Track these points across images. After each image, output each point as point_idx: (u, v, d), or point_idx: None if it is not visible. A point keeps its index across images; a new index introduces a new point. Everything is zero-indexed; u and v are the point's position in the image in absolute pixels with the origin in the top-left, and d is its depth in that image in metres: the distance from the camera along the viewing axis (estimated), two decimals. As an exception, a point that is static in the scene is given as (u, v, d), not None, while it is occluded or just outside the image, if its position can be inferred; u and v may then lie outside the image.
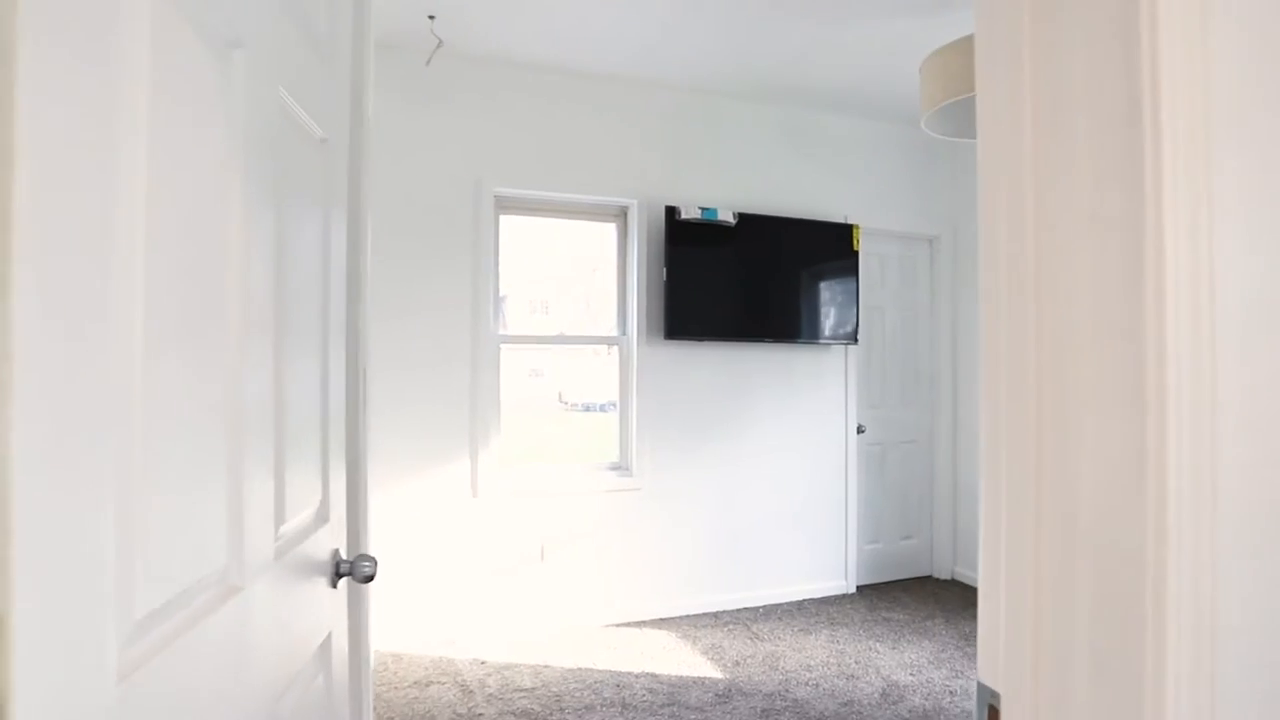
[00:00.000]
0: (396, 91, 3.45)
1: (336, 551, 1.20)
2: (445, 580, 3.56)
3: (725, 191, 4.07)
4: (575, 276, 4.08)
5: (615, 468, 3.96)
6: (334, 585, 1.17)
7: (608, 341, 4.00)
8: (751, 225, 3.95)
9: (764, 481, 4.15)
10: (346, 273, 1.36)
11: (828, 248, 4.14)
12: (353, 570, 1.19)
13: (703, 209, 3.82)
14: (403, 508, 3.50)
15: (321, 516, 1.14)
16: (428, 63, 3.42)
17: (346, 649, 1.27)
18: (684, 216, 3.79)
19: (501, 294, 3.79)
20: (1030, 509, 0.67)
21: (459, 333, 3.59)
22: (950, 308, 4.63)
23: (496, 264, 3.74)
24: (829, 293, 4.15)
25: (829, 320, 4.14)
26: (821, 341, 4.13)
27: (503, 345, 3.77)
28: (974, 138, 2.70)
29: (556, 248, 4.00)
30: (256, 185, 0.82)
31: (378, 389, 3.45)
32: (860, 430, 4.38)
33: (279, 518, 0.92)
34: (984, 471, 0.73)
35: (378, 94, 2.68)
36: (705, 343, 3.99)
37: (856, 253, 4.19)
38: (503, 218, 3.77)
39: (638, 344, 3.89)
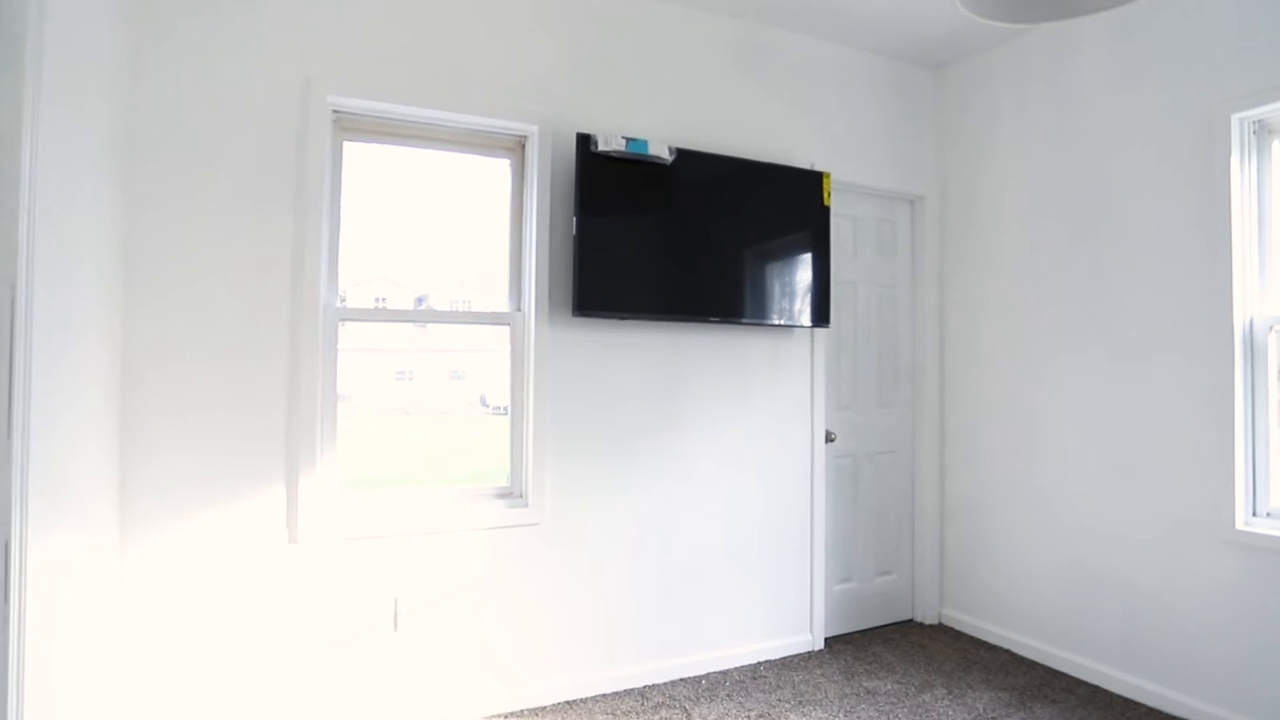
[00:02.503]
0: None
1: None
2: (246, 662, 2.41)
3: (659, 119, 3.05)
4: (454, 232, 3.00)
5: (504, 494, 2.88)
6: None
7: (493, 320, 2.93)
8: (693, 165, 2.95)
9: (707, 508, 3.14)
10: None
11: (791, 200, 3.17)
12: None
13: (628, 139, 2.79)
14: (182, 560, 2.34)
15: None
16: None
17: None
18: (602, 148, 2.75)
19: (342, 252, 2.67)
20: None
21: (273, 307, 2.46)
22: (936, 285, 3.73)
23: (337, 210, 2.62)
24: (792, 259, 3.18)
25: (791, 295, 3.17)
26: (781, 323, 3.15)
27: (344, 323, 2.65)
28: (1040, 20, 1.73)
29: (427, 191, 2.91)
30: None
31: (147, 390, 2.29)
32: (829, 438, 3.43)
33: None
34: None
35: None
36: (630, 322, 2.96)
37: (827, 209, 3.24)
38: (348, 144, 2.66)
39: (536, 323, 2.83)
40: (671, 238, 2.91)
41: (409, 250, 2.93)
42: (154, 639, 2.31)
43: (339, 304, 2.63)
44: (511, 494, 2.87)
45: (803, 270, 3.20)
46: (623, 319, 2.88)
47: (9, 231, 1.49)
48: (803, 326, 3.24)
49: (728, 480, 3.18)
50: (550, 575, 2.84)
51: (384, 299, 2.87)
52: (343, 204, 2.63)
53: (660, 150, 2.84)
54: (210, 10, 2.37)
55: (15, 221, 1.49)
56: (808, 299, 3.20)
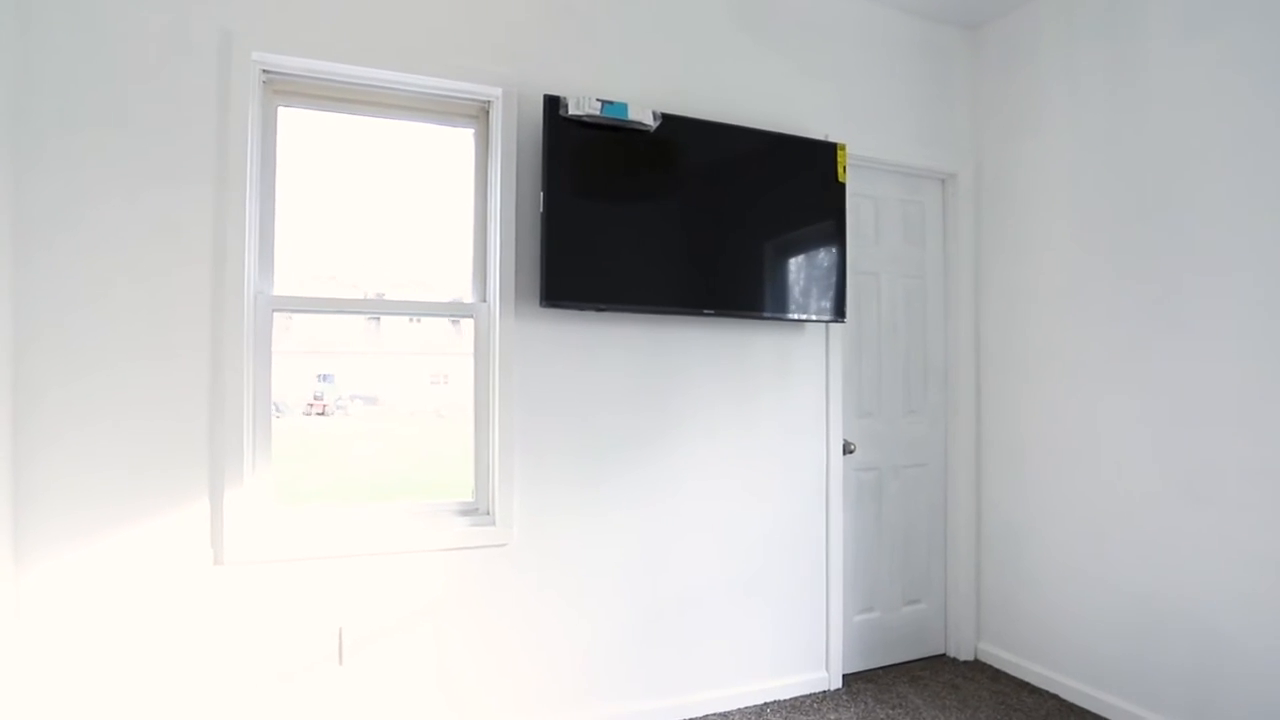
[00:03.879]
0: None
1: None
2: (165, 703, 2.10)
3: (641, 80, 2.68)
4: (413, 211, 2.66)
5: (468, 511, 2.52)
6: None
7: (454, 312, 2.58)
8: (683, 133, 2.57)
9: (704, 528, 2.75)
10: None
11: (801, 174, 2.77)
12: None
13: (604, 102, 2.43)
14: (90, 584, 2.04)
15: None
16: None
17: None
18: (574, 112, 2.39)
19: (278, 234, 2.35)
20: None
21: (191, 297, 2.15)
22: (972, 275, 3.29)
23: (271, 184, 2.31)
24: (803, 243, 2.78)
25: (802, 285, 2.77)
26: (792, 317, 2.75)
27: (278, 313, 2.33)
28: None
29: (382, 166, 2.58)
30: None
31: (44, 396, 2.00)
32: (848, 449, 3.01)
33: None
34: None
35: None
36: (610, 313, 2.59)
37: (843, 186, 2.83)
38: (283, 110, 2.34)
39: (502, 315, 2.48)
40: (657, 216, 2.54)
41: (360, 233, 2.60)
42: (56, 673, 2.01)
43: (272, 292, 2.31)
44: (476, 510, 2.52)
45: (815, 255, 2.79)
46: (600, 310, 2.51)
47: None
48: (816, 321, 2.83)
49: (728, 497, 2.78)
50: (521, 603, 2.48)
51: (332, 287, 2.55)
52: (278, 179, 2.32)
53: (642, 115, 2.46)
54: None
55: None
56: (821, 289, 2.80)
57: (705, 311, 2.60)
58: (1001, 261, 3.17)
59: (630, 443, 2.63)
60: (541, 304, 2.40)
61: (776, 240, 2.72)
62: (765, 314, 2.71)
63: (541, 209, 2.38)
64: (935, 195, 3.30)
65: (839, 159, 2.81)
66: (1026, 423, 3.05)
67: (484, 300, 2.54)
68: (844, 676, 3.01)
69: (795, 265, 2.76)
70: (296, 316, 2.53)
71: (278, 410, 3.03)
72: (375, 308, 2.58)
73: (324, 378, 2.95)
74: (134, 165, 2.08)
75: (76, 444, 2.03)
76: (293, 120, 2.37)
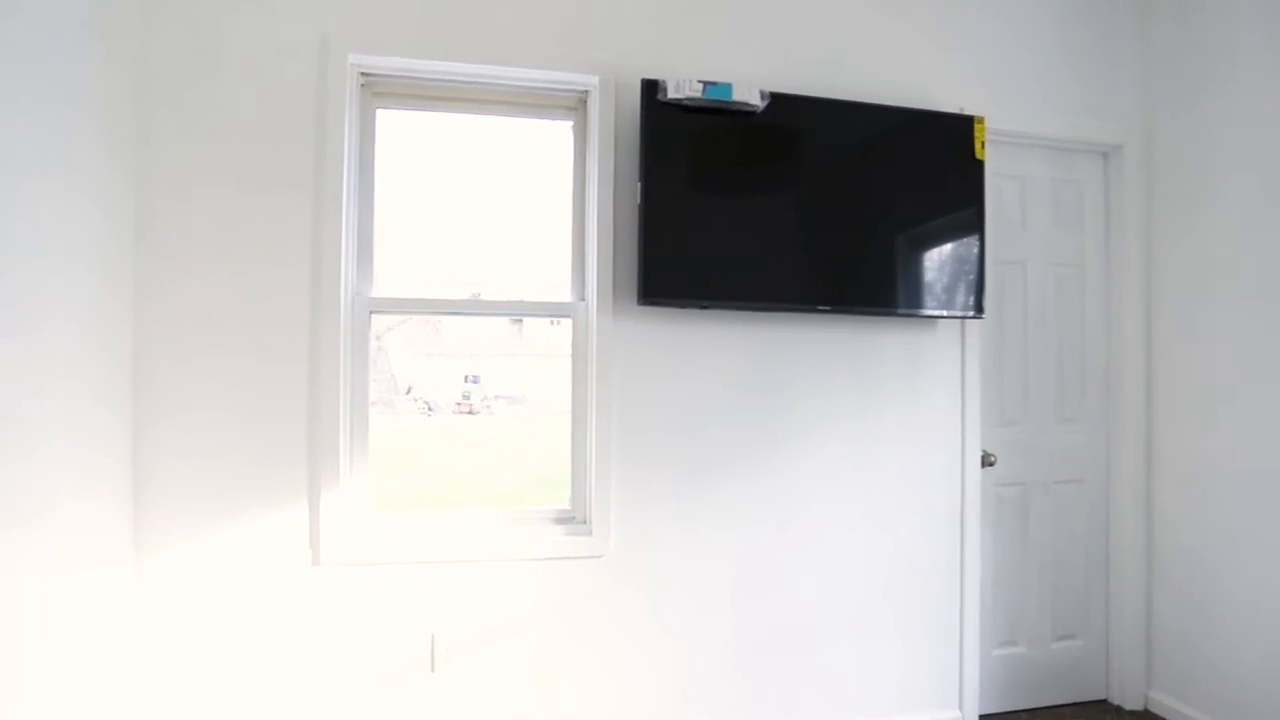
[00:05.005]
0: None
1: None
2: (263, 695, 2.13)
3: (749, 60, 2.47)
4: (512, 210, 2.59)
5: (564, 519, 2.42)
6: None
7: (553, 312, 2.48)
8: (794, 112, 2.34)
9: (819, 548, 2.50)
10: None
11: (930, 153, 2.46)
12: None
13: (706, 83, 2.24)
14: (199, 573, 2.10)
15: None
16: None
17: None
18: (673, 96, 2.22)
19: (378, 234, 2.34)
20: None
21: (291, 297, 2.17)
22: (1142, 264, 2.82)
23: (369, 186, 2.29)
24: (933, 230, 2.47)
25: (934, 277, 2.46)
26: (921, 313, 2.45)
27: (377, 315, 2.32)
28: None
29: (480, 164, 2.52)
30: None
31: (158, 389, 2.08)
32: (988, 462, 2.66)
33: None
34: None
35: None
36: (713, 312, 2.40)
37: (980, 164, 2.49)
38: (381, 113, 2.33)
39: (599, 314, 2.35)
40: (766, 205, 2.32)
41: (463, 233, 2.56)
42: (170, 652, 2.09)
43: (370, 294, 2.30)
44: (573, 519, 2.41)
45: (948, 243, 2.47)
46: (703, 308, 2.33)
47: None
48: (950, 317, 2.51)
49: (846, 514, 2.51)
50: (619, 618, 2.35)
51: (428, 288, 2.52)
52: (376, 181, 2.30)
53: (748, 95, 2.26)
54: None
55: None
56: (955, 281, 2.47)
57: (820, 308, 2.36)
58: (1181, 247, 2.70)
59: (735, 451, 2.43)
60: (639, 302, 2.25)
61: (902, 226, 2.43)
62: (889, 310, 2.43)
63: (639, 200, 2.23)
64: (1095, 171, 2.86)
65: (976, 134, 2.48)
66: (1213, 434, 2.57)
67: (582, 299, 2.43)
68: (981, 717, 2.66)
69: (924, 254, 2.45)
70: (446, 321, 2.55)
71: (429, 409, 3.08)
72: (471, 308, 2.53)
73: (471, 379, 3.01)
74: (239, 170, 2.12)
75: (185, 441, 2.09)
76: (394, 122, 2.35)
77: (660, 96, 2.22)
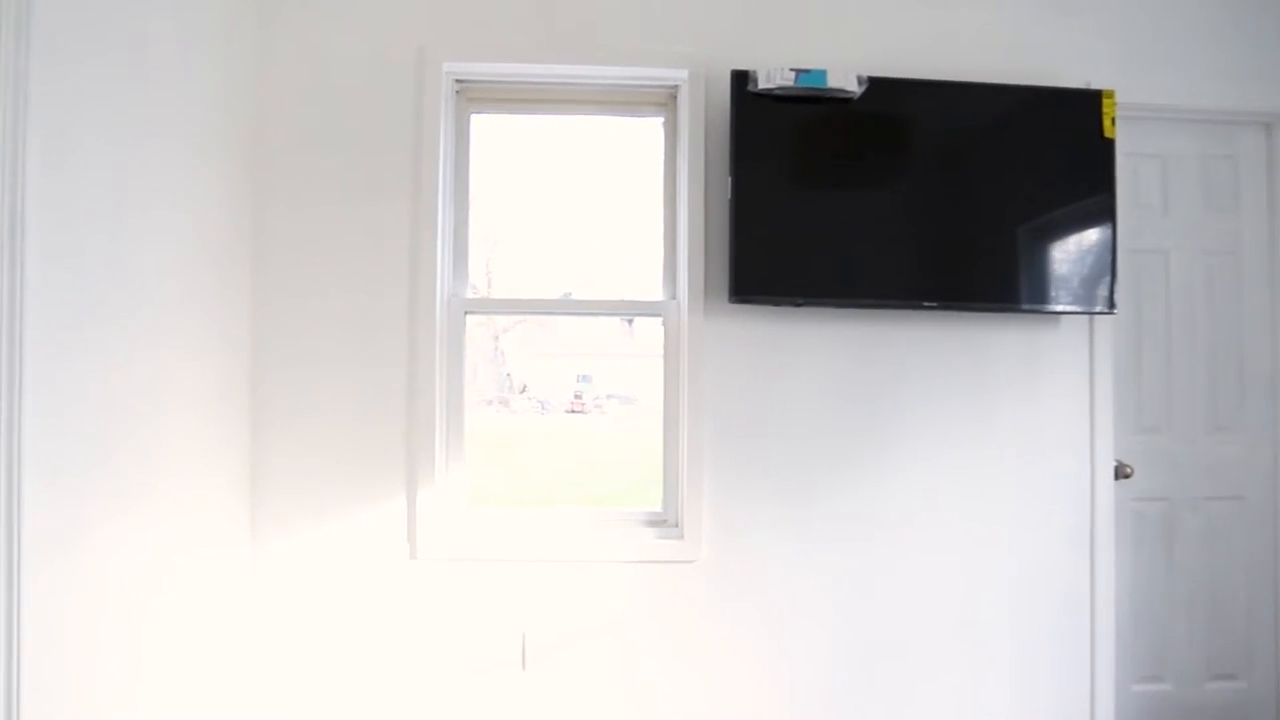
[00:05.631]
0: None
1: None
2: (364, 681, 2.21)
3: (846, 45, 2.34)
4: (603, 209, 2.58)
5: (655, 521, 2.37)
6: None
7: (643, 311, 2.44)
8: (894, 97, 2.20)
9: (924, 565, 2.33)
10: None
11: (1051, 133, 2.25)
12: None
13: (798, 71, 2.15)
14: (308, 562, 2.22)
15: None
16: None
17: None
18: (764, 86, 2.15)
19: (472, 237, 2.39)
20: None
21: (391, 300, 2.25)
22: (1313, 249, 2.46)
23: (464, 190, 2.35)
24: (1056, 217, 2.25)
25: (1057, 271, 2.24)
26: (1043, 309, 2.24)
27: (470, 315, 2.37)
28: None
29: (571, 165, 2.53)
30: None
31: (270, 388, 2.22)
32: (1123, 473, 2.39)
33: None
34: None
35: None
36: (809, 309, 2.28)
37: (1110, 143, 2.25)
38: (476, 118, 2.38)
39: (689, 313, 2.29)
40: (865, 195, 2.20)
41: (551, 234, 2.58)
42: (280, 636, 2.21)
43: (465, 296, 2.35)
44: (665, 522, 2.36)
45: (1073, 233, 2.25)
46: (797, 305, 2.23)
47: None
48: (1075, 313, 2.28)
49: (952, 528, 2.33)
50: (712, 627, 2.27)
51: (519, 288, 2.56)
52: (471, 185, 2.36)
53: (844, 81, 2.14)
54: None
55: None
56: (1082, 272, 2.25)
57: (925, 304, 2.20)
58: (1363, 227, 2.33)
59: (832, 458, 2.30)
60: (730, 299, 2.18)
61: (1019, 215, 2.23)
62: (1005, 305, 2.24)
63: (730, 195, 2.17)
64: (1256, 145, 2.52)
65: (1105, 109, 2.24)
66: None
67: (673, 298, 2.38)
68: (1120, 760, 2.39)
69: (1045, 244, 2.24)
70: (560, 321, 2.61)
71: (543, 408, 3.16)
72: (563, 308, 2.54)
73: (583, 378, 3.07)
74: (344, 181, 2.23)
75: (296, 440, 2.21)
76: (491, 126, 2.40)
77: (751, 87, 2.15)
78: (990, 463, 2.33)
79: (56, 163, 1.43)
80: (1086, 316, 2.36)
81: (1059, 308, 2.24)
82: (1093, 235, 2.25)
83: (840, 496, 2.30)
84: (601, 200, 2.64)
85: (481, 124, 2.39)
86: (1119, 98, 2.30)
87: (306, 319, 2.22)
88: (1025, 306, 2.24)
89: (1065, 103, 2.25)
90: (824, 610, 2.29)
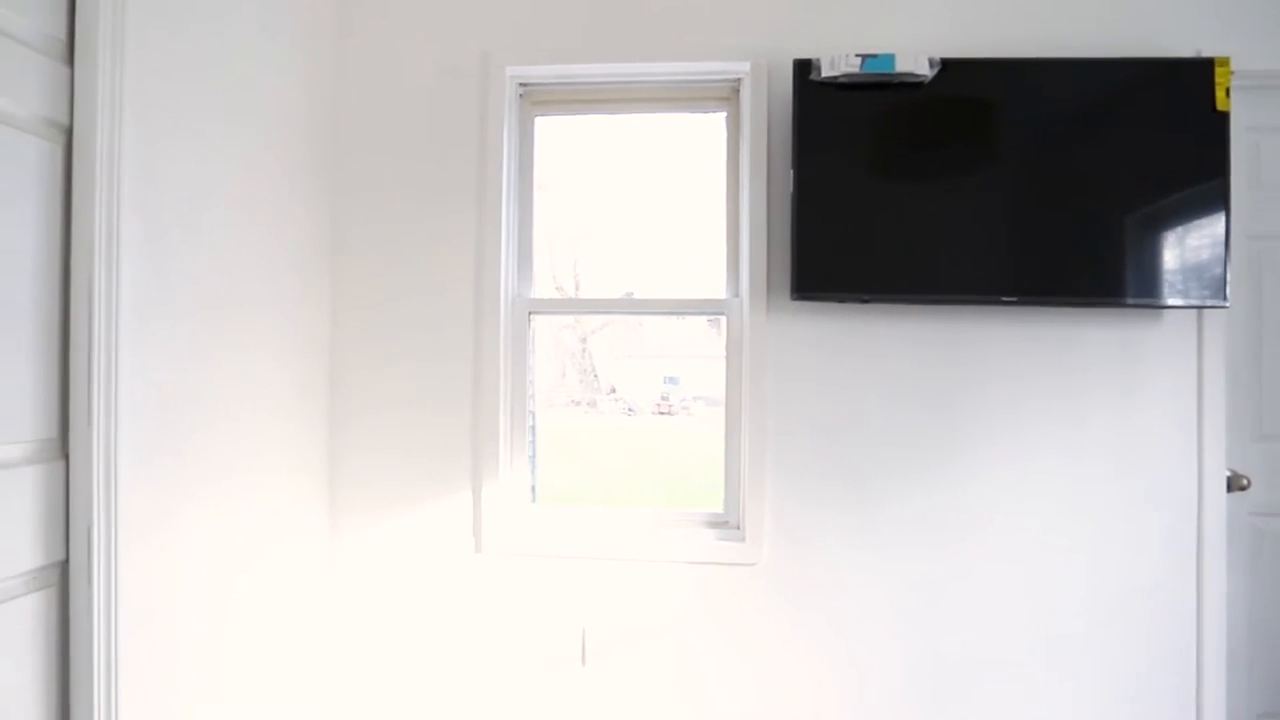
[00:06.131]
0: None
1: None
2: (431, 668, 2.30)
3: (918, 27, 2.22)
4: (667, 207, 2.56)
5: (716, 523, 2.34)
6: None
7: (706, 309, 2.41)
8: (971, 79, 2.07)
9: (1005, 579, 2.18)
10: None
11: (1151, 108, 2.05)
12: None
13: (864, 56, 2.06)
14: (380, 552, 2.32)
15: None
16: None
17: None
18: (827, 74, 2.07)
19: (535, 238, 2.43)
20: None
21: (458, 301, 2.32)
22: None
23: (528, 192, 2.40)
24: (1158, 207, 2.06)
25: (1157, 260, 2.05)
26: (1141, 303, 2.06)
27: (535, 315, 2.41)
28: None
29: (635, 163, 2.53)
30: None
31: (349, 386, 2.34)
32: (1238, 485, 2.15)
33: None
34: None
35: None
36: (876, 305, 2.19)
37: (1223, 117, 2.03)
38: (540, 120, 2.42)
39: (751, 311, 2.24)
40: (936, 185, 2.08)
41: (614, 233, 2.59)
42: (356, 622, 2.32)
43: (530, 296, 2.39)
44: (726, 523, 2.32)
45: (1175, 218, 2.05)
46: (863, 302, 2.14)
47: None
48: (1180, 306, 2.07)
49: (1034, 540, 2.17)
50: (776, 630, 2.22)
51: (580, 287, 2.58)
52: (535, 187, 2.39)
53: (914, 65, 2.03)
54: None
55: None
56: (1188, 262, 2.04)
57: (1004, 300, 2.06)
58: None
59: (902, 462, 2.19)
60: (792, 296, 2.12)
61: (1115, 199, 2.05)
62: (1097, 299, 2.06)
63: (791, 189, 2.11)
64: (1404, 116, 2.22)
65: (1217, 79, 2.02)
66: None
67: (736, 295, 2.34)
68: (1234, 801, 2.16)
69: (1142, 231, 2.05)
70: (647, 322, 2.65)
71: (630, 410, 3.22)
72: (625, 307, 2.54)
73: (670, 380, 3.10)
74: (413, 186, 2.31)
75: (370, 436, 2.32)
76: (550, 129, 2.44)
77: (813, 76, 2.08)
78: (1078, 470, 2.16)
79: (147, 178, 1.55)
80: (1194, 311, 2.14)
81: (1159, 301, 2.05)
82: (1202, 221, 2.04)
83: (908, 503, 2.19)
84: (672, 198, 2.62)
85: (555, 125, 2.42)
86: (1234, 65, 2.07)
87: (380, 321, 2.32)
88: (1125, 301, 2.05)
89: (1167, 72, 2.05)
90: (892, 621, 2.19)
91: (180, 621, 1.68)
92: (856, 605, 2.20)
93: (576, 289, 2.67)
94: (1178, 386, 2.15)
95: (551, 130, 2.44)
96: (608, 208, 2.65)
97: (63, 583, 1.44)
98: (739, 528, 2.28)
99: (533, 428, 2.41)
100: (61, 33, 1.42)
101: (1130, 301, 2.05)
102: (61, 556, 1.43)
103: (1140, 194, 2.05)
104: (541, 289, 2.44)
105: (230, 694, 1.86)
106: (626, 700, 2.25)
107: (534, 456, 2.42)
